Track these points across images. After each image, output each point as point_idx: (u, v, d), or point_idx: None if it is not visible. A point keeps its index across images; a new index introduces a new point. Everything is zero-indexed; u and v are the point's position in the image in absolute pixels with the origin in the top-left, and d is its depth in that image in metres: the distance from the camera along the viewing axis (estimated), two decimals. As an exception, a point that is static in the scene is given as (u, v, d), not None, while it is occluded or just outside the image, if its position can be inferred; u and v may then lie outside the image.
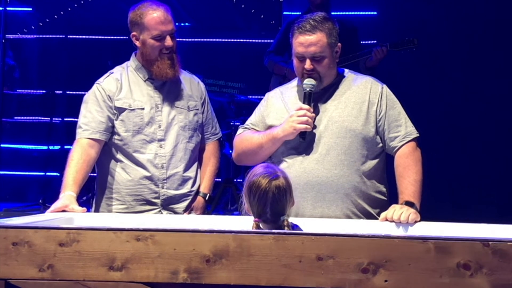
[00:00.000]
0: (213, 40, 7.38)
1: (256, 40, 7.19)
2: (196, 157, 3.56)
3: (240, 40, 7.30)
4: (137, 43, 3.46)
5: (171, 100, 3.47)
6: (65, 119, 7.49)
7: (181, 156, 3.44)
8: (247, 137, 3.26)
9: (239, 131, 3.35)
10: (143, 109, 3.41)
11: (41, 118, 7.45)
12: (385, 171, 3.22)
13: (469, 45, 6.11)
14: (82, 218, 2.96)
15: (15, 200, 6.86)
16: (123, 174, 3.41)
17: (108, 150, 3.44)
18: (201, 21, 7.51)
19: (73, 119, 7.55)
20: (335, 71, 3.20)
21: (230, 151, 6.34)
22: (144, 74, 3.47)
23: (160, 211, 3.40)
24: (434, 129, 5.85)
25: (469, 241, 2.15)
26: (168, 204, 3.42)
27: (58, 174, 7.35)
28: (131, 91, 3.44)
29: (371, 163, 3.12)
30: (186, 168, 3.47)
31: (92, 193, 6.44)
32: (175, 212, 3.42)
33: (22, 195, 7.17)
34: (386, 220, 2.86)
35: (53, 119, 7.34)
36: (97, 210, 3.48)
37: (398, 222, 2.83)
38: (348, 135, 3.09)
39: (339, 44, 3.15)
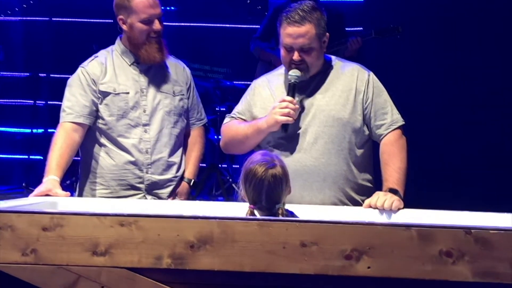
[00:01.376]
0: (199, 24, 7.35)
1: (242, 26, 7.16)
2: (181, 142, 3.55)
3: (226, 25, 7.26)
4: (124, 27, 3.42)
5: (157, 85, 3.45)
6: (49, 102, 7.43)
7: (166, 141, 3.43)
8: (233, 127, 3.25)
9: (226, 120, 3.34)
10: (128, 93, 3.39)
11: (24, 101, 7.40)
12: (372, 158, 3.23)
13: (455, 32, 6.11)
14: (66, 202, 2.95)
15: (-2, 183, 6.84)
16: (107, 158, 3.40)
17: (92, 134, 3.42)
18: (187, 5, 7.46)
19: (57, 103, 7.49)
20: (322, 61, 3.19)
21: (215, 137, 6.34)
22: (130, 58, 3.44)
23: (144, 196, 3.39)
24: (420, 116, 5.87)
25: (452, 229, 2.17)
26: (152, 189, 3.41)
27: (42, 158, 7.32)
28: (116, 75, 3.41)
29: (359, 151, 3.13)
30: (171, 153, 3.46)
31: (76, 177, 6.42)
32: (159, 198, 3.41)
33: (5, 178, 7.14)
34: (370, 207, 2.87)
35: (37, 102, 7.29)
36: (80, 194, 3.46)
37: (381, 209, 2.84)
38: (336, 124, 3.09)
39: (327, 34, 3.14)
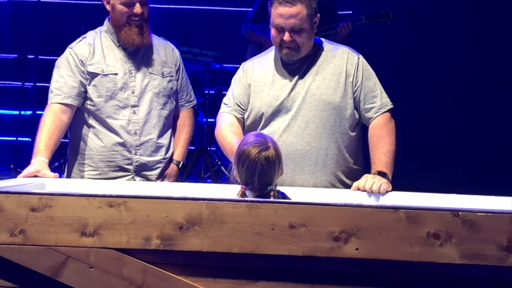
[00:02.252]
0: (188, 7, 7.31)
1: (231, 8, 7.13)
2: (170, 124, 3.54)
3: (215, 8, 7.24)
4: (108, 7, 3.43)
5: (145, 66, 3.44)
6: (37, 84, 7.39)
7: (155, 122, 3.42)
8: (221, 132, 3.20)
9: (222, 109, 3.31)
10: (116, 74, 3.39)
11: (12, 82, 7.36)
12: (361, 142, 3.24)
13: (446, 17, 6.12)
14: (54, 183, 2.94)
15: (-14, 165, 6.81)
16: (95, 140, 3.39)
17: (80, 115, 3.41)
18: (177, -13, 7.43)
19: (46, 84, 7.44)
20: (312, 42, 3.19)
21: (204, 119, 6.33)
22: (118, 40, 3.43)
23: (133, 177, 3.39)
24: (409, 100, 5.89)
25: (440, 211, 2.18)
26: (141, 171, 3.41)
27: (30, 140, 7.28)
28: (104, 56, 3.41)
29: (350, 135, 3.14)
30: (160, 135, 3.45)
31: (64, 159, 6.42)
32: (148, 179, 3.41)
33: (-7, 160, 7.11)
34: (358, 189, 2.88)
35: (25, 83, 7.25)
36: (69, 175, 3.46)
37: (370, 192, 2.85)
38: (327, 108, 3.09)
39: (318, 15, 3.14)
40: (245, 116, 3.23)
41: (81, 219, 2.22)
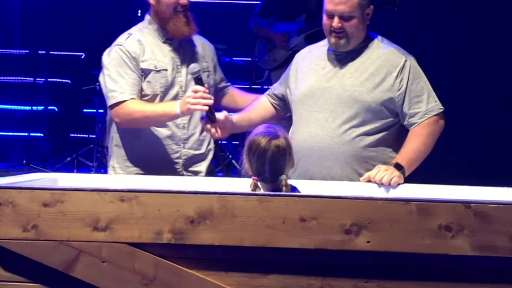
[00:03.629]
0: (198, 1, 7.32)
1: (241, 1, 7.12)
2: None
3: (225, 1, 7.23)
4: (151, 1, 3.41)
5: (188, 61, 3.44)
6: (48, 79, 7.42)
7: (199, 116, 3.41)
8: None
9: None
10: (166, 70, 3.39)
11: (24, 78, 7.39)
12: (399, 142, 3.13)
13: (452, 5, 6.09)
14: (66, 178, 2.95)
15: (-1, 160, 6.85)
16: (144, 135, 3.38)
17: None
18: (186, -19, 7.43)
19: (57, 80, 7.54)
20: (364, 34, 3.13)
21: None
22: (163, 35, 3.43)
23: (181, 174, 3.40)
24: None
25: (451, 203, 2.18)
26: (189, 165, 3.42)
27: (42, 135, 7.33)
28: (154, 52, 3.40)
29: (379, 134, 3.07)
30: (202, 129, 3.44)
31: (77, 154, 6.46)
32: (196, 175, 3.43)
33: (6, 155, 7.14)
34: (369, 180, 2.87)
35: (37, 79, 7.28)
36: (113, 171, 3.45)
37: (380, 183, 2.84)
38: (356, 106, 3.04)
39: (371, 6, 3.10)
40: (287, 100, 3.28)
41: (93, 213, 2.23)
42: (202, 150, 3.48)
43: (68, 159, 6.56)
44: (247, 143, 2.64)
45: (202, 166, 3.47)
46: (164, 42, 3.44)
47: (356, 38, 3.09)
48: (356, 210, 2.18)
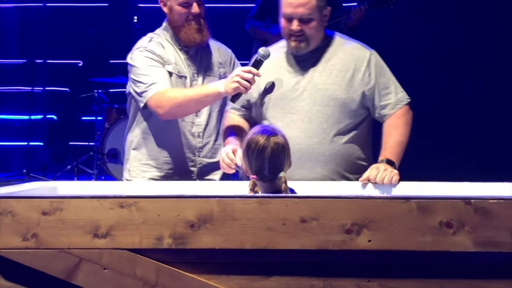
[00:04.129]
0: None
1: (237, 5, 7.12)
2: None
3: (221, 5, 7.23)
4: (165, 9, 3.41)
5: (204, 69, 3.45)
6: (46, 88, 7.42)
7: (214, 124, 3.45)
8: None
9: (227, 106, 3.32)
10: (186, 77, 3.40)
11: (22, 87, 7.39)
12: (371, 136, 3.21)
13: (449, 2, 6.10)
14: (66, 187, 2.95)
15: (-1, 170, 6.84)
16: (163, 141, 3.38)
17: (148, 115, 3.39)
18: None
19: (55, 88, 7.53)
20: (322, 34, 3.15)
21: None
22: (178, 43, 3.43)
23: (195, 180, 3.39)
24: (415, 87, 5.87)
25: (451, 199, 2.17)
26: (203, 174, 3.42)
27: (42, 144, 7.33)
28: (175, 57, 3.40)
29: (354, 130, 3.10)
30: (217, 137, 3.46)
31: (77, 162, 6.45)
32: None
33: (6, 165, 7.14)
34: (369, 181, 2.87)
35: (35, 88, 7.29)
36: (130, 176, 3.44)
37: (381, 184, 2.84)
38: (331, 103, 3.06)
39: (328, 7, 3.11)
40: (252, 106, 3.22)
41: (93, 220, 2.22)
42: (217, 159, 3.41)
43: (68, 167, 6.56)
44: (245, 142, 2.64)
45: (217, 175, 3.45)
46: (180, 50, 3.43)
47: (315, 40, 3.10)
48: (356, 210, 2.17)
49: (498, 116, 6.00)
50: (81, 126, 7.32)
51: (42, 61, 7.43)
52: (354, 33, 5.24)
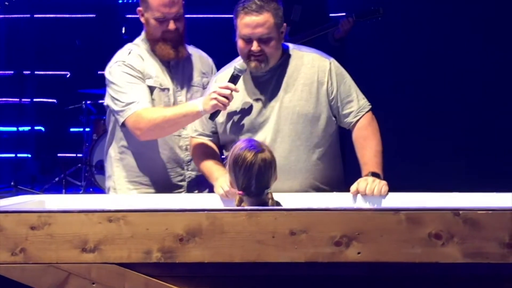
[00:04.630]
0: (186, 16, 7.32)
1: (226, 16, 7.13)
2: None
3: (211, 16, 7.25)
4: (142, 20, 3.30)
5: (188, 79, 3.35)
6: (34, 99, 7.40)
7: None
8: (198, 161, 3.16)
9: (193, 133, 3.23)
10: (169, 89, 3.29)
11: (9, 99, 7.37)
12: (339, 143, 3.19)
13: (437, 13, 6.12)
14: (54, 200, 2.93)
15: (-14, 183, 6.81)
16: (148, 157, 3.27)
17: (128, 131, 3.24)
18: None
19: (43, 100, 7.50)
20: (280, 52, 3.10)
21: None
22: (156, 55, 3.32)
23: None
24: (402, 98, 5.89)
25: (440, 211, 2.17)
26: (192, 187, 3.33)
27: (29, 156, 7.30)
28: (156, 70, 3.28)
29: (327, 143, 3.09)
30: None
31: (65, 174, 6.43)
32: None
33: (-7, 178, 7.11)
34: (358, 193, 2.86)
35: (22, 100, 7.26)
36: (114, 193, 3.33)
37: (371, 195, 2.84)
38: (301, 120, 3.04)
39: (284, 24, 3.07)
40: (219, 132, 3.15)
41: (81, 235, 2.21)
42: None
43: (57, 179, 6.53)
44: (231, 158, 2.63)
45: (206, 190, 3.34)
46: (161, 61, 3.31)
47: (274, 59, 3.06)
48: (346, 222, 2.17)
49: (487, 126, 6.03)
50: (69, 137, 7.29)
51: (29, 72, 7.40)
52: (342, 45, 5.27)
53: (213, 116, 3.03)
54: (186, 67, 3.38)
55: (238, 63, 3.07)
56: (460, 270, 2.17)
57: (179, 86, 3.33)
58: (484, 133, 5.99)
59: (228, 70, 3.15)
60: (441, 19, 6.06)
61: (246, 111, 3.09)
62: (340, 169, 3.19)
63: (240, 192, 2.59)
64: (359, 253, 2.16)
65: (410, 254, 2.15)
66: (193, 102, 3.11)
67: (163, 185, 3.29)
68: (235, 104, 3.08)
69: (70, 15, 7.36)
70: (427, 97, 6.10)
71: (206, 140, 3.19)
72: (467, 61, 6.01)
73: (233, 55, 3.22)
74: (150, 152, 3.28)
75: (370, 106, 3.14)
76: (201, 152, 3.16)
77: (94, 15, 7.24)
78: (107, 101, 3.31)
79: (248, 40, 3.00)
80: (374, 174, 2.93)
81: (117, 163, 3.34)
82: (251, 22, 2.97)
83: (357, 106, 3.11)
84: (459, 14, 6.01)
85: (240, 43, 3.03)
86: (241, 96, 3.09)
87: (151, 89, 3.24)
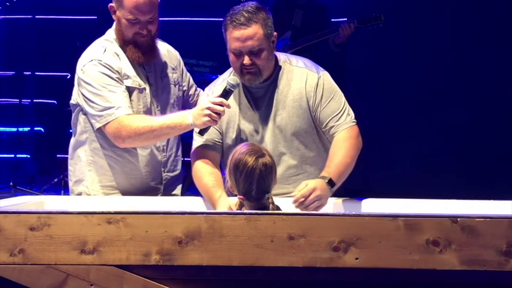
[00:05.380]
0: (183, 19, 7.33)
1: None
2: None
3: (211, 19, 7.25)
4: (114, 17, 3.16)
5: (161, 77, 3.24)
6: (34, 100, 7.40)
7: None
8: (197, 175, 3.04)
9: (196, 143, 3.12)
10: (145, 89, 3.18)
11: (10, 99, 7.36)
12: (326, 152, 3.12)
13: (438, 19, 6.13)
14: (53, 201, 2.94)
15: (-15, 183, 6.81)
16: (125, 159, 3.17)
17: (103, 133, 3.13)
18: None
19: (43, 101, 7.50)
20: (273, 62, 3.06)
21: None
22: None
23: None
24: (403, 105, 5.90)
25: (438, 218, 2.18)
26: (169, 189, 3.27)
27: (29, 156, 7.30)
28: (132, 68, 3.15)
29: (318, 155, 3.09)
30: (178, 148, 3.31)
31: (63, 175, 6.43)
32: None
33: (-8, 178, 7.11)
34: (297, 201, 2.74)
35: (22, 100, 7.26)
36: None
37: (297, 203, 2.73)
38: (294, 138, 3.04)
39: (275, 33, 3.03)
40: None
41: (80, 236, 2.22)
42: (177, 172, 3.32)
43: (55, 180, 6.53)
44: (232, 162, 2.63)
45: (179, 190, 3.33)
46: None
47: (268, 70, 3.02)
48: (344, 227, 2.18)
49: (486, 133, 6.03)
50: (68, 138, 7.25)
51: (30, 73, 7.40)
52: (342, 50, 5.29)
53: (203, 131, 2.97)
54: (157, 64, 3.26)
55: (230, 77, 3.02)
56: (457, 277, 2.17)
57: (154, 85, 3.21)
58: (483, 140, 6.00)
59: (220, 86, 3.08)
60: (443, 25, 6.07)
61: (241, 131, 3.06)
62: None
63: (241, 196, 2.60)
64: (357, 258, 2.17)
65: (407, 260, 2.16)
66: (182, 114, 3.00)
67: (140, 188, 3.20)
68: (231, 118, 3.05)
69: (71, 17, 7.37)
70: (427, 103, 6.11)
71: (208, 151, 3.07)
72: (468, 68, 6.02)
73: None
74: (127, 155, 3.17)
75: (354, 123, 3.06)
76: (203, 170, 3.02)
77: (96, 17, 7.25)
78: (78, 101, 3.17)
79: (239, 54, 2.96)
80: (330, 181, 2.82)
81: (89, 166, 3.21)
82: (240, 36, 2.93)
83: (339, 121, 3.04)
84: (461, 20, 6.02)
85: (231, 57, 3.00)
86: (237, 111, 3.06)
87: (130, 89, 3.13)
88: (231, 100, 3.02)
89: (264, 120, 3.06)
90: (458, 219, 2.16)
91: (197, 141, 3.09)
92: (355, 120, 3.08)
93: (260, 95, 3.07)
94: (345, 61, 5.53)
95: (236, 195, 2.66)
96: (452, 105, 6.08)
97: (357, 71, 5.84)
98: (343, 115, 3.06)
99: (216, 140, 3.10)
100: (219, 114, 2.90)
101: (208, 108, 2.89)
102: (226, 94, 2.95)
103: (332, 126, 3.05)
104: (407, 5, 6.08)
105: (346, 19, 5.38)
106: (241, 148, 2.66)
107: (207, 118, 2.89)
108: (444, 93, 6.11)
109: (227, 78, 3.07)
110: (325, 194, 2.79)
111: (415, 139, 5.97)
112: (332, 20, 5.56)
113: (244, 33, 2.93)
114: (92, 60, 3.11)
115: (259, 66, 2.97)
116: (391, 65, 6.07)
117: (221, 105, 2.89)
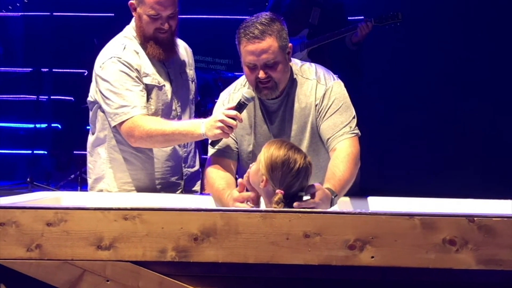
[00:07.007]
0: (200, 16, 7.34)
1: (243, 16, 7.13)
2: None
3: (227, 17, 7.26)
4: (134, 14, 3.17)
5: (180, 73, 3.26)
6: (51, 97, 7.44)
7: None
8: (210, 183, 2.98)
9: (210, 151, 3.06)
10: (165, 86, 3.18)
11: (27, 96, 7.41)
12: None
13: (456, 19, 6.10)
14: (69, 197, 2.95)
15: (3, 178, 6.84)
16: (146, 155, 3.18)
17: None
18: (188, -3, 7.46)
19: (60, 97, 7.55)
20: (289, 74, 2.99)
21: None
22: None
23: (181, 192, 3.24)
24: (417, 104, 5.88)
25: (455, 217, 2.17)
26: (189, 185, 3.27)
27: (46, 152, 7.34)
28: (152, 65, 3.17)
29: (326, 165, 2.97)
30: (196, 144, 3.32)
31: (80, 171, 6.46)
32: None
33: (10, 173, 7.15)
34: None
35: (40, 97, 7.30)
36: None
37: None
38: (307, 151, 2.86)
39: (289, 44, 2.96)
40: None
41: (97, 232, 2.23)
42: (196, 167, 3.32)
43: (72, 176, 6.56)
44: (269, 159, 2.55)
45: (198, 186, 3.33)
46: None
47: (284, 82, 2.95)
48: (360, 226, 2.18)
49: (505, 133, 6.00)
50: (85, 135, 7.27)
51: (47, 70, 7.45)
52: (359, 48, 5.27)
53: (215, 142, 2.95)
54: (177, 60, 3.27)
55: (245, 90, 2.97)
56: (473, 277, 2.16)
57: (175, 81, 3.23)
58: (500, 140, 5.97)
59: (236, 95, 3.04)
60: (459, 27, 6.04)
61: (256, 144, 3.01)
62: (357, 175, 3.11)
63: (282, 191, 2.54)
64: (372, 257, 2.16)
65: (424, 259, 2.15)
66: (196, 123, 2.99)
67: (161, 184, 3.21)
68: (246, 136, 3.01)
69: (88, 14, 7.40)
70: (443, 102, 6.08)
71: (225, 159, 3.02)
72: (482, 68, 5.99)
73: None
74: (148, 150, 3.17)
75: (353, 134, 2.96)
76: (214, 176, 2.97)
77: (113, 14, 7.28)
78: (96, 98, 3.19)
79: (254, 67, 2.89)
80: (335, 196, 2.71)
81: (109, 163, 3.22)
82: (254, 49, 2.85)
83: (344, 131, 2.94)
84: (478, 20, 5.99)
85: (246, 70, 2.94)
86: (252, 123, 3.01)
87: (149, 87, 3.14)
88: (246, 113, 2.99)
89: (277, 135, 3.00)
90: (475, 218, 2.15)
91: (211, 150, 3.05)
92: (356, 132, 2.97)
93: (274, 109, 3.02)
94: (361, 59, 5.52)
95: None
96: (469, 104, 6.05)
97: (373, 70, 5.83)
98: (345, 125, 2.96)
99: (231, 148, 3.05)
100: (231, 127, 2.88)
101: (221, 121, 2.87)
102: (240, 107, 2.91)
103: (336, 137, 2.94)
104: (424, 3, 6.06)
105: (363, 17, 5.36)
106: (278, 144, 2.59)
107: (219, 131, 2.88)
108: (461, 91, 6.08)
109: (242, 89, 3.03)
110: (324, 207, 2.68)
111: (430, 137, 5.95)
112: (349, 18, 5.54)
113: (258, 47, 2.85)
114: (111, 58, 3.12)
115: (275, 79, 2.90)
116: (407, 64, 6.05)
117: (234, 118, 2.87)
